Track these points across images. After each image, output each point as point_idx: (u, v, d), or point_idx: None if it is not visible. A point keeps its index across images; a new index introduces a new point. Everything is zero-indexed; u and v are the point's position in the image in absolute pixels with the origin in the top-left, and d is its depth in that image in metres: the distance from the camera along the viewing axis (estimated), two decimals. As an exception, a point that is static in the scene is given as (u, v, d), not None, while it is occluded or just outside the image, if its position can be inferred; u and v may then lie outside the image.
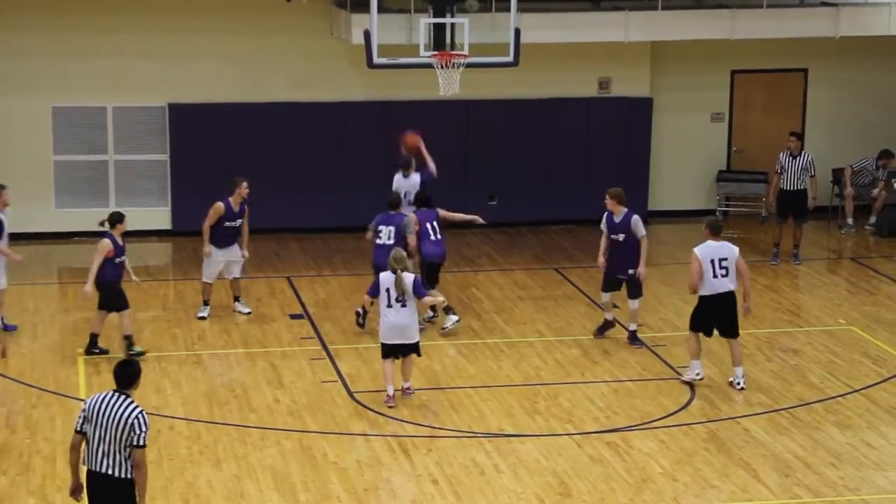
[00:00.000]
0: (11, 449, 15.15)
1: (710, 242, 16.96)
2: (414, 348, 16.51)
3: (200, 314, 19.73)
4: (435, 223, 19.40)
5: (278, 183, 24.28)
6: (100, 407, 11.44)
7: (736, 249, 16.98)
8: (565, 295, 21.21)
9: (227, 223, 19.50)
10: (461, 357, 18.29)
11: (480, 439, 15.56)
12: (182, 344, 18.77)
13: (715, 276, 16.81)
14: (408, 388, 16.66)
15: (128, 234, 23.11)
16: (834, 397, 16.97)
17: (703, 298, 16.97)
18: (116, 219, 18.14)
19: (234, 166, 23.93)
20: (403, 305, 16.25)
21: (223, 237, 19.63)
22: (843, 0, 24.13)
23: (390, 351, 16.47)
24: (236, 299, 20.00)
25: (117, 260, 17.97)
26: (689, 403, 16.70)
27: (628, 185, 24.88)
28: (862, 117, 26.28)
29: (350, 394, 16.88)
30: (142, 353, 17.91)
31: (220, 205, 19.47)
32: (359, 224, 24.00)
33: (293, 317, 19.91)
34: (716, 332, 17.20)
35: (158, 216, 24.29)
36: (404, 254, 16.61)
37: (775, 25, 23.74)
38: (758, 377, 17.62)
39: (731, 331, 17.13)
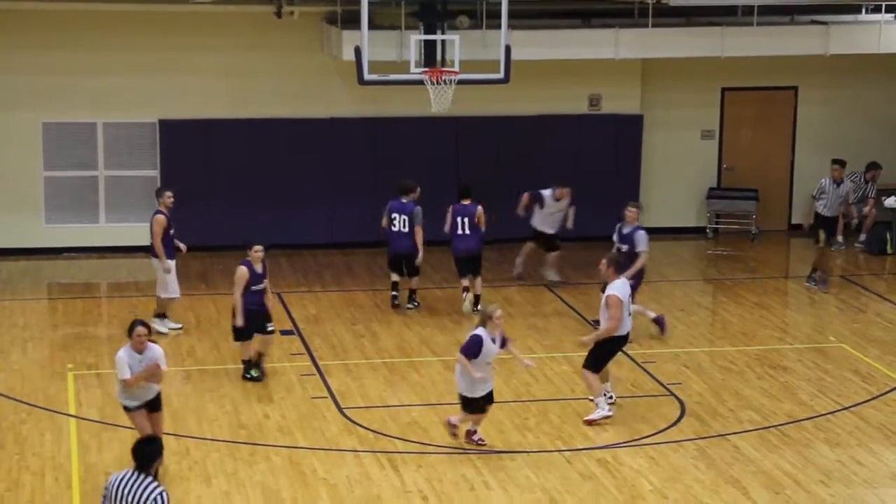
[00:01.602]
0: (0, 465, 15.11)
1: (618, 281, 16.35)
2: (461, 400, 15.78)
3: (175, 326, 19.79)
4: (466, 219, 20.58)
5: (269, 199, 24.28)
6: (120, 486, 11.14)
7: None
8: (555, 311, 21.21)
9: (171, 231, 19.62)
10: (451, 373, 18.22)
11: (470, 455, 15.53)
12: (172, 359, 18.66)
13: (629, 314, 16.46)
14: (455, 425, 15.83)
15: (116, 250, 23.27)
16: (824, 414, 16.98)
17: (617, 339, 16.31)
18: (251, 243, 17.88)
19: (224, 182, 23.99)
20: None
21: (170, 249, 19.76)
22: (833, 18, 24.20)
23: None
24: (163, 316, 19.93)
25: (254, 288, 17.57)
26: (679, 420, 16.69)
27: (618, 203, 25.05)
28: (852, 134, 26.32)
29: (340, 410, 16.86)
30: (260, 379, 17.76)
31: (161, 217, 19.49)
32: (349, 240, 24.14)
33: (283, 333, 19.88)
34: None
35: (148, 232, 24.19)
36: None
37: (766, 43, 23.79)
38: (748, 394, 17.63)
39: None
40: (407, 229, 20.13)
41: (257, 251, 17.51)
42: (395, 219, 20.26)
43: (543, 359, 18.90)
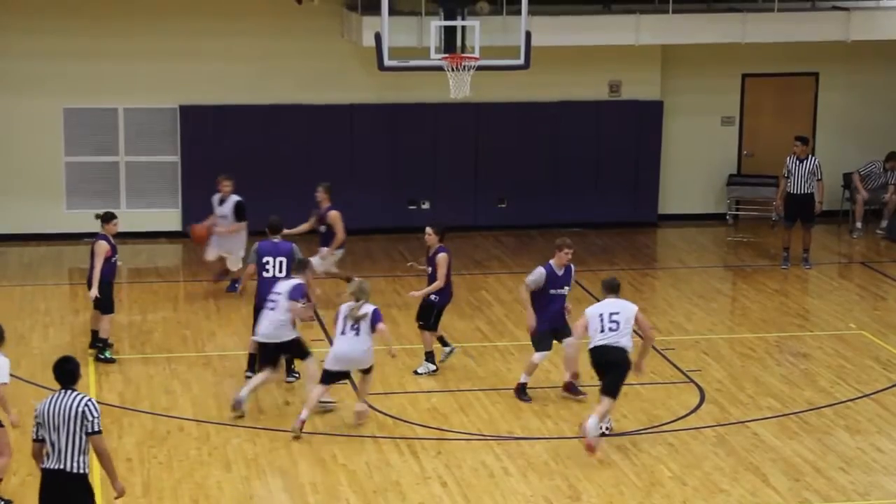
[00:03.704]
0: (22, 449, 15.10)
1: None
2: (368, 371, 15.93)
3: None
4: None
5: (287, 184, 24.30)
6: (51, 408, 11.60)
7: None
8: (574, 298, 21.07)
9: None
10: (470, 360, 18.29)
11: (490, 442, 15.56)
12: (192, 345, 18.80)
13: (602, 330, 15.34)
14: (363, 412, 15.95)
15: (139, 235, 23.29)
16: (844, 402, 16.96)
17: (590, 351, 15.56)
18: (108, 218, 18.00)
19: (244, 168, 24.00)
20: (357, 334, 15.66)
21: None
22: (855, 4, 24.12)
23: (330, 377, 15.90)
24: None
25: (112, 260, 17.90)
26: (698, 407, 16.69)
27: (638, 189, 25.12)
28: (873, 121, 26.24)
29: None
30: (112, 360, 17.88)
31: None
32: (367, 226, 24.09)
33: (303, 320, 19.88)
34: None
35: (169, 217, 24.33)
36: (368, 285, 15.83)
37: (786, 29, 23.71)
38: (767, 381, 17.61)
39: None
40: (284, 273, 17.26)
41: (112, 226, 17.74)
42: (267, 263, 17.40)
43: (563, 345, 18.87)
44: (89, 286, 17.89)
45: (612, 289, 15.66)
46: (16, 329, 19.35)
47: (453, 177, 24.80)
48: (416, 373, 17.63)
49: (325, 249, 20.32)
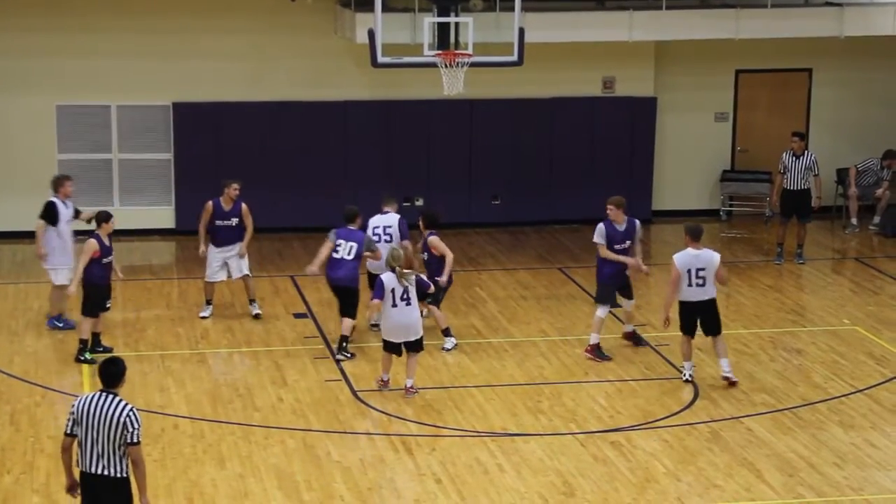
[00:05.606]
0: (16, 447, 15.17)
1: (690, 250, 16.97)
2: (418, 344, 16.74)
3: (202, 314, 19.74)
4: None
5: (282, 182, 24.30)
6: (90, 408, 11.48)
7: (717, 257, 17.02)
8: (569, 294, 21.20)
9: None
10: (465, 356, 18.29)
11: (484, 438, 15.56)
12: (186, 342, 18.79)
13: (690, 284, 16.89)
14: (411, 388, 16.70)
15: (130, 233, 23.30)
16: (837, 397, 16.97)
17: (682, 304, 17.11)
18: (103, 218, 17.86)
19: (238, 165, 23.99)
20: (408, 304, 16.52)
21: (216, 236, 19.55)
22: (848, 0, 24.12)
23: (393, 347, 16.73)
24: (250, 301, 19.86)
25: (104, 260, 17.78)
26: (692, 403, 16.70)
27: (632, 185, 25.10)
28: (866, 117, 26.26)
29: (354, 393, 16.89)
30: (92, 362, 17.53)
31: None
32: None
33: (297, 316, 19.92)
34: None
35: (162, 215, 24.31)
36: (402, 252, 16.90)
37: (780, 25, 23.73)
38: (761, 377, 17.62)
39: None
40: (351, 256, 18.13)
41: (108, 226, 17.86)
42: (339, 246, 18.15)
43: (557, 341, 18.91)
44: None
45: (697, 236, 16.87)
46: (9, 327, 19.37)
47: (447, 173, 24.81)
48: (444, 349, 18.27)
49: (240, 244, 19.68)
